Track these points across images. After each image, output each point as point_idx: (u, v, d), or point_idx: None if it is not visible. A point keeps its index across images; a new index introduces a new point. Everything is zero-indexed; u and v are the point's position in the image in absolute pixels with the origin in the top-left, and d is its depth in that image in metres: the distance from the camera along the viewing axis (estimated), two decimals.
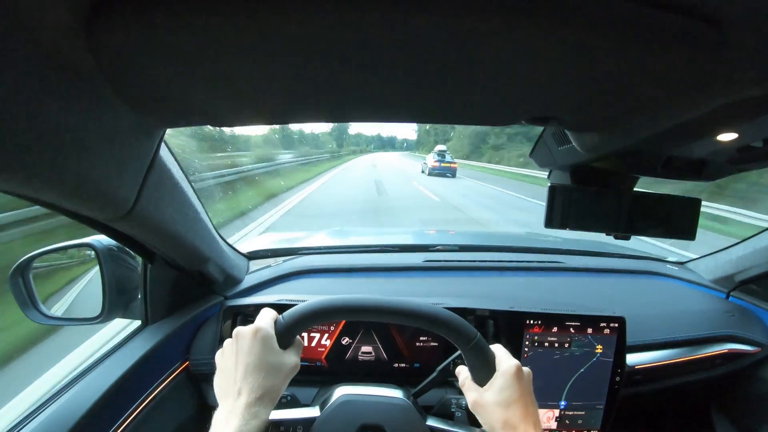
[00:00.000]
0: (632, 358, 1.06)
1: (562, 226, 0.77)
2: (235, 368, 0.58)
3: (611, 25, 0.36)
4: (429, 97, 0.51)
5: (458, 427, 0.73)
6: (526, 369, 0.65)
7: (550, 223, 0.77)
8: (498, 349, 0.67)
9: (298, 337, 0.65)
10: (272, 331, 0.61)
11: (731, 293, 1.36)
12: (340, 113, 0.57)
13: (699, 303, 1.31)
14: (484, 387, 0.63)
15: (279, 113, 0.57)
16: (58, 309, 1.17)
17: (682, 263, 1.54)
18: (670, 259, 1.58)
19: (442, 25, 0.35)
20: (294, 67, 0.42)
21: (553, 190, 0.76)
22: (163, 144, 0.66)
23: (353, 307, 0.64)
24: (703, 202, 0.83)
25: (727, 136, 0.64)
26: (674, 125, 0.57)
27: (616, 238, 0.81)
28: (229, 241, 1.10)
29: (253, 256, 1.25)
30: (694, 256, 1.51)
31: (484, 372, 0.64)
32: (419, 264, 1.26)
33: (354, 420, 0.73)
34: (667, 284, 1.39)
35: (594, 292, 1.29)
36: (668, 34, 0.38)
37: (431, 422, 0.74)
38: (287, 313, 0.63)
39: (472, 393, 0.65)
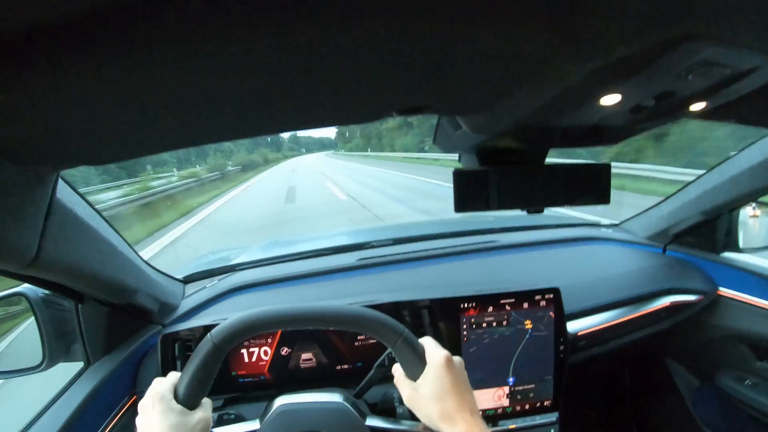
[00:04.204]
0: (575, 325, 1.09)
1: (472, 208, 0.78)
2: None
3: (464, 12, 0.36)
4: (302, 105, 0.51)
5: (398, 423, 0.74)
6: (457, 358, 0.66)
7: (459, 207, 0.77)
8: (427, 342, 0.67)
9: (205, 399, 0.65)
10: (170, 395, 0.62)
11: (667, 247, 1.40)
12: (207, 135, 0.57)
13: (637, 261, 1.34)
14: (417, 381, 0.64)
15: (163, 143, 0.57)
16: None
17: (616, 225, 1.58)
18: (604, 222, 1.62)
19: (304, 36, 0.35)
20: (159, 98, 0.41)
21: (457, 175, 0.77)
22: (63, 183, 0.65)
23: (276, 318, 0.64)
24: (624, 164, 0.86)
25: (611, 99, 0.65)
26: (553, 96, 0.58)
27: (529, 213, 0.83)
28: None
29: (188, 279, 1.23)
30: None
31: (415, 366, 0.64)
32: (353, 263, 1.26)
33: (292, 428, 0.73)
34: (604, 248, 1.42)
35: (531, 266, 1.31)
36: (519, 12, 0.38)
37: (371, 422, 0.75)
38: (212, 333, 0.63)
39: (406, 389, 0.65)
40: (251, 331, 0.64)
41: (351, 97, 0.51)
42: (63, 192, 0.65)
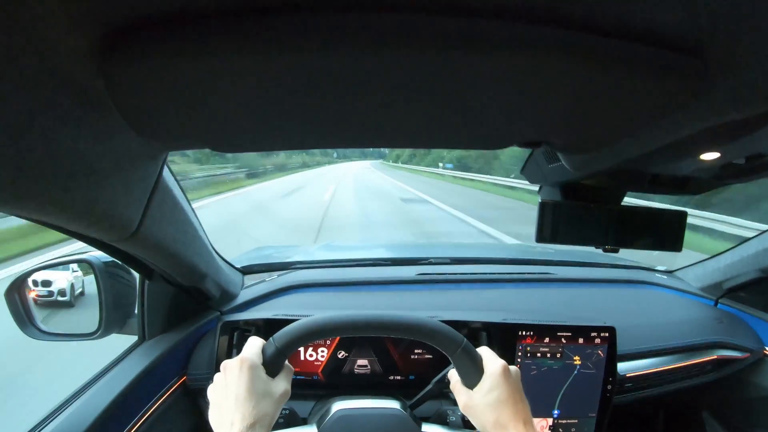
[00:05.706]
0: (623, 367, 1.08)
1: (553, 240, 0.79)
2: (226, 400, 0.59)
3: (601, 60, 0.38)
4: (428, 124, 0.53)
5: (453, 431, 0.75)
6: (513, 368, 0.67)
7: (540, 238, 0.79)
8: (485, 351, 0.68)
9: (288, 364, 0.66)
10: (258, 361, 0.62)
11: (719, 300, 1.38)
12: (338, 140, 0.58)
13: (688, 311, 1.33)
14: (474, 389, 0.65)
15: (278, 142, 0.59)
16: None
17: (671, 272, 1.56)
18: (658, 267, 1.60)
19: (443, 61, 0.37)
20: (293, 98, 0.43)
21: (543, 207, 0.78)
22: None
23: (340, 324, 0.65)
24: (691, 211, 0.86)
25: (709, 156, 0.66)
26: (659, 147, 0.59)
27: (605, 251, 0.83)
28: None
29: (247, 270, 1.26)
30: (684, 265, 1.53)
31: (472, 375, 0.65)
32: (412, 277, 1.27)
33: None
34: (657, 293, 1.41)
35: (585, 302, 1.31)
36: (654, 67, 0.39)
37: (426, 428, 0.76)
38: (275, 336, 0.64)
39: (462, 396, 0.66)
40: (313, 337, 0.66)
41: (483, 123, 0.52)
42: (164, 172, 0.67)
